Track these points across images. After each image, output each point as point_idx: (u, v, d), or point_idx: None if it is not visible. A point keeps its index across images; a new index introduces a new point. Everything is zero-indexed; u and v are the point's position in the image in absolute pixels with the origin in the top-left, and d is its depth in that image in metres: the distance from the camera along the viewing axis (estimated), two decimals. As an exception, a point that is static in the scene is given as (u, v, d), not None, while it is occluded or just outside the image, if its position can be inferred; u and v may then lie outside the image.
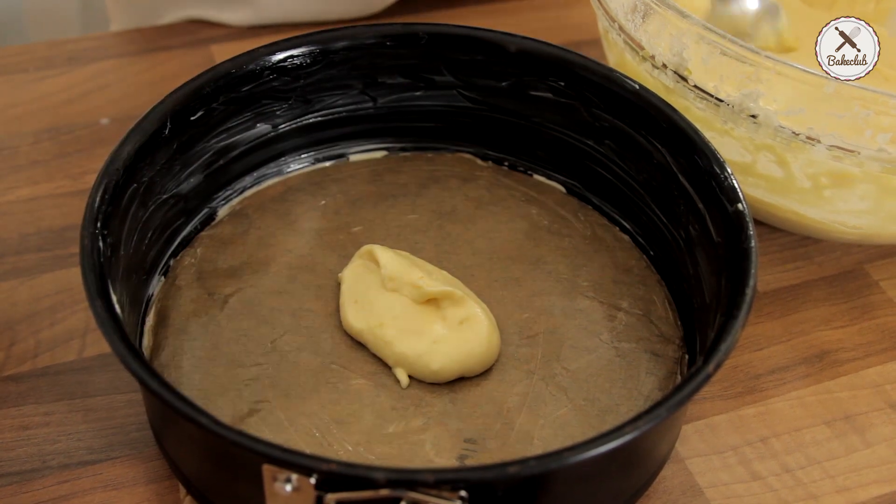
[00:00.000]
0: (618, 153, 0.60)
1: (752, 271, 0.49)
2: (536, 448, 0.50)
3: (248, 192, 0.62)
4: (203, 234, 0.59)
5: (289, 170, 0.63)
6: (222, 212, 0.61)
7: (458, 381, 0.53)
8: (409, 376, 0.53)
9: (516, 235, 0.61)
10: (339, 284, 0.57)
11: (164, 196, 0.56)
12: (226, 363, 0.53)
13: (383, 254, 0.56)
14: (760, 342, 0.61)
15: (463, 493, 0.41)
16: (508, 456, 0.50)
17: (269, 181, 0.63)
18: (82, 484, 0.52)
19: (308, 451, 0.49)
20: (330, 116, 0.63)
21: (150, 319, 0.55)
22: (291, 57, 0.59)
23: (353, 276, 0.56)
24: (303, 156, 0.64)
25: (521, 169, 0.65)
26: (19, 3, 1.28)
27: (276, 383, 0.52)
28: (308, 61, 0.60)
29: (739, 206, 0.52)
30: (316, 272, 0.58)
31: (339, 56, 0.61)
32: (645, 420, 0.42)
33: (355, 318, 0.54)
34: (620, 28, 0.64)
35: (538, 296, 0.58)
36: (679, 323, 0.57)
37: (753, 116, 0.58)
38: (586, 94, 0.60)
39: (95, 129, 0.73)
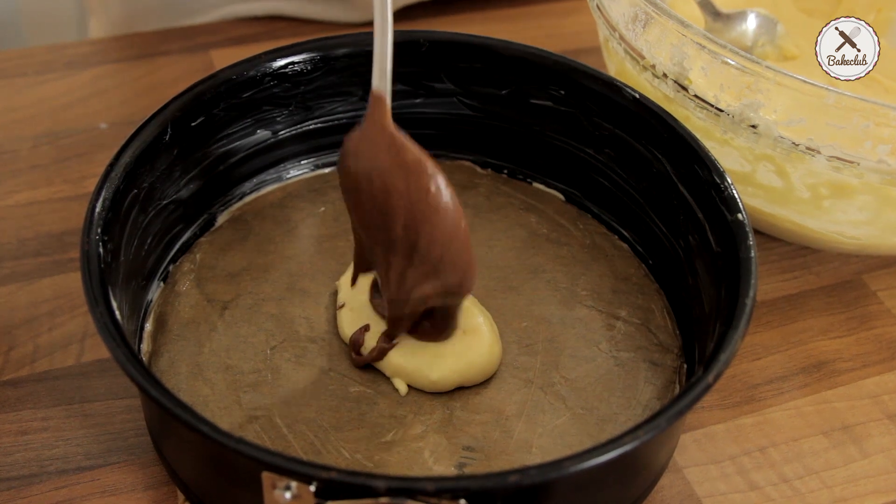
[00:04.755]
0: (618, 162, 0.61)
1: (752, 281, 0.49)
2: (535, 457, 0.50)
3: (247, 199, 0.62)
4: (202, 239, 0.59)
5: (288, 176, 0.63)
6: (222, 218, 0.61)
7: (458, 389, 0.53)
8: (408, 385, 0.53)
9: (515, 243, 0.61)
10: (337, 292, 0.57)
11: (164, 202, 0.56)
12: (224, 370, 0.53)
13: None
14: (758, 352, 0.61)
15: (463, 501, 0.40)
16: (507, 464, 0.50)
17: (268, 187, 0.63)
18: (80, 489, 0.51)
19: (306, 458, 0.49)
20: (330, 123, 0.63)
21: (148, 325, 0.55)
22: (292, 63, 0.59)
23: (350, 283, 0.56)
24: (302, 162, 0.64)
25: (521, 177, 0.65)
26: (17, 6, 1.28)
27: (275, 390, 0.52)
28: (309, 68, 0.60)
29: (739, 216, 0.52)
30: (315, 279, 0.58)
31: (339, 63, 0.61)
32: (645, 430, 0.42)
33: (351, 326, 0.54)
34: (621, 37, 0.65)
35: (537, 304, 0.58)
36: (678, 332, 0.57)
37: (753, 126, 0.58)
38: (587, 102, 0.60)
39: (94, 133, 0.73)
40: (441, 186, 0.47)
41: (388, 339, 0.53)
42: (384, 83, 0.47)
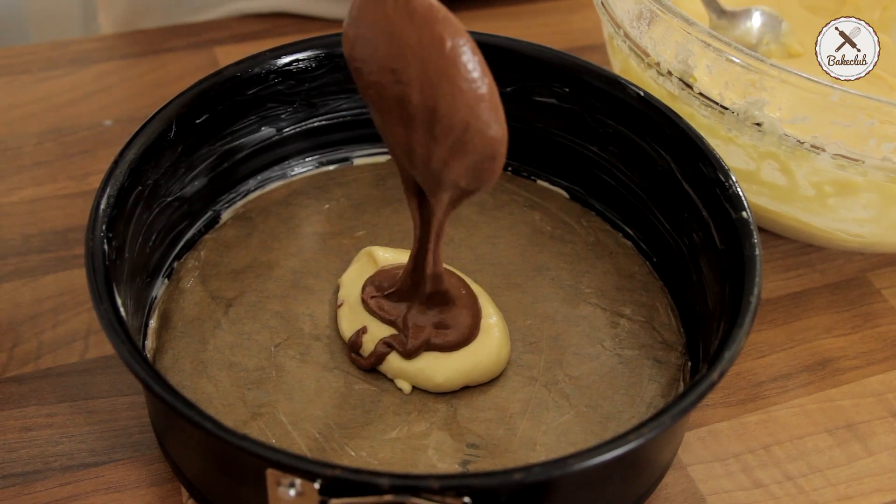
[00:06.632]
0: (622, 159, 0.60)
1: (757, 279, 0.49)
2: (539, 454, 0.50)
3: (251, 196, 0.62)
4: (207, 237, 0.59)
5: (293, 173, 0.63)
6: (226, 215, 0.61)
7: (462, 388, 0.53)
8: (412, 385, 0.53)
9: (519, 241, 0.61)
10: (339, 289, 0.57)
11: (169, 199, 0.56)
12: (228, 367, 0.53)
13: (384, 254, 0.56)
14: (763, 349, 0.61)
15: (467, 499, 0.40)
16: (511, 462, 0.50)
17: (273, 185, 0.63)
18: (84, 486, 0.51)
19: (311, 455, 0.49)
20: (334, 120, 0.63)
21: (153, 322, 0.55)
22: (297, 61, 0.59)
23: (350, 280, 0.56)
24: (307, 159, 0.64)
25: (525, 174, 0.65)
26: (21, 3, 1.28)
27: (279, 387, 0.52)
28: (313, 65, 0.60)
29: (744, 213, 0.52)
30: (319, 276, 0.58)
31: (344, 60, 0.60)
32: (649, 428, 0.42)
33: (350, 325, 0.54)
34: (626, 34, 0.65)
35: (541, 302, 0.58)
36: (682, 330, 0.57)
37: (758, 124, 0.58)
38: (591, 100, 0.60)
39: (99, 130, 0.73)
40: (458, 35, 0.40)
41: (386, 345, 0.52)
42: None
